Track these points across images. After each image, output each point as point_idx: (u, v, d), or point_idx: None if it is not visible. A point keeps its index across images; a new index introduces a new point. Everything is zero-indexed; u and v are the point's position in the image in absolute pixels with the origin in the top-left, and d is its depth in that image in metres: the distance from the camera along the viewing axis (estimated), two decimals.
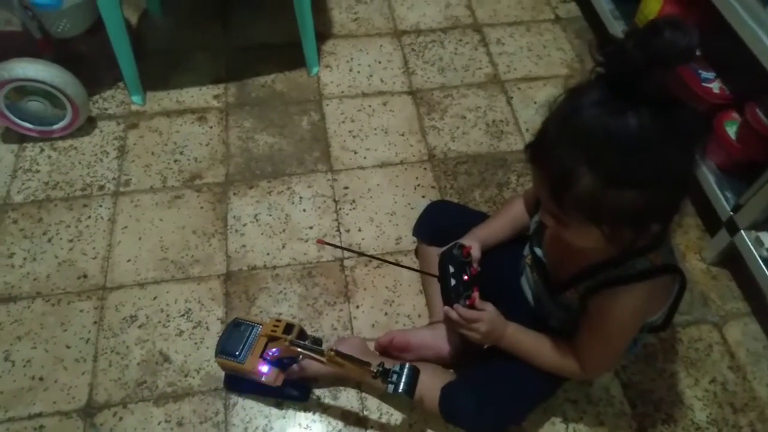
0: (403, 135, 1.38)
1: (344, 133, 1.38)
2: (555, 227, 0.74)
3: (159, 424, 0.97)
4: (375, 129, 1.38)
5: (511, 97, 1.45)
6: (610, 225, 0.67)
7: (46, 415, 0.98)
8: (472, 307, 0.87)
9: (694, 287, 1.15)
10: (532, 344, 0.88)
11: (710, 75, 1.18)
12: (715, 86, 1.16)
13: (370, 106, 1.43)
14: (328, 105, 1.43)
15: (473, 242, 0.93)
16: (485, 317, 0.87)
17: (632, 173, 0.63)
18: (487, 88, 1.47)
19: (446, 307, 0.89)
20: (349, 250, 1.12)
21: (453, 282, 0.89)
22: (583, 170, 0.64)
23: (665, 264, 0.78)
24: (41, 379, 1.01)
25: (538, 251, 0.90)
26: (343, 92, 1.46)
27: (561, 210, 0.69)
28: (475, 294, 0.88)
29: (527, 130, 1.39)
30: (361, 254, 1.12)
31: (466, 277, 0.89)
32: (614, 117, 0.62)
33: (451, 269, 0.90)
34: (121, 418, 0.98)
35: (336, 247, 1.00)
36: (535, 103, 1.44)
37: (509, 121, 1.41)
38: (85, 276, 1.13)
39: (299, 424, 0.98)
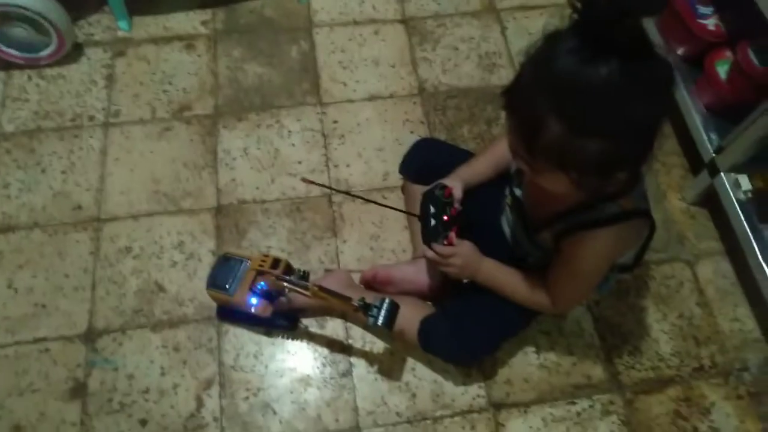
0: (393, 66, 1.36)
1: (334, 63, 1.36)
2: (526, 171, 0.76)
3: (156, 348, 1.04)
4: (365, 60, 1.36)
5: (506, 27, 1.42)
6: (576, 172, 0.69)
7: (51, 339, 1.04)
8: (449, 245, 0.92)
9: (672, 226, 1.18)
10: (506, 279, 0.93)
11: (708, 10, 1.14)
12: (711, 23, 1.13)
13: (361, 35, 1.40)
14: (318, 33, 1.40)
15: (456, 182, 0.96)
16: (459, 252, 0.91)
17: (597, 122, 0.64)
18: (481, 17, 1.43)
19: (424, 246, 0.93)
20: (334, 189, 1.14)
21: (433, 222, 0.92)
22: (551, 118, 0.65)
23: (635, 209, 0.80)
24: (43, 306, 1.07)
25: (518, 192, 0.92)
26: (333, 20, 1.42)
27: (531, 157, 0.70)
28: (452, 234, 0.91)
29: (520, 63, 1.36)
30: (346, 193, 1.14)
31: (446, 218, 0.92)
32: (584, 65, 0.62)
33: (432, 209, 0.93)
34: (120, 343, 1.04)
35: (321, 185, 1.02)
36: (529, 33, 1.41)
37: (502, 54, 1.38)
38: (79, 207, 1.16)
39: (287, 351, 1.05)
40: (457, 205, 0.94)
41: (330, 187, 1.15)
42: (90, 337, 1.05)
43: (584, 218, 0.80)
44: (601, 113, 0.64)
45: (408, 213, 1.00)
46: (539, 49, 0.68)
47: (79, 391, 1.00)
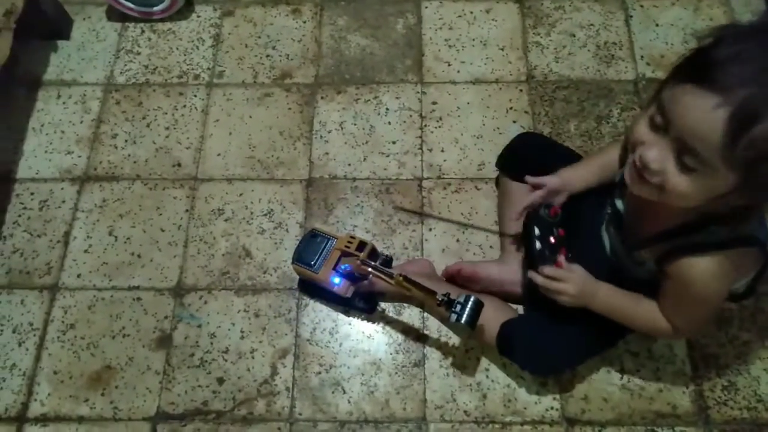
0: (502, 49, 1.29)
1: (440, 41, 1.30)
2: (664, 172, 0.65)
3: (238, 312, 1.07)
4: (473, 40, 1.30)
5: (631, 16, 1.30)
6: (756, 183, 0.62)
7: (143, 289, 1.10)
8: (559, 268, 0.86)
9: None
10: (625, 306, 0.85)
11: None
12: None
13: (471, 12, 1.33)
14: (426, 7, 1.34)
15: (558, 183, 0.90)
16: (573, 279, 0.84)
17: None
18: (605, 2, 1.32)
19: (531, 272, 0.87)
20: (427, 215, 1.05)
21: (539, 245, 0.86)
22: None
23: (749, 235, 0.72)
24: (139, 256, 1.12)
25: (619, 204, 0.85)
26: None
27: (728, 146, 0.60)
28: (561, 258, 0.85)
29: (642, 57, 1.26)
30: (439, 219, 1.06)
31: (552, 240, 0.86)
32: None
33: (537, 231, 0.87)
34: (206, 302, 1.08)
35: (412, 212, 0.98)
36: (657, 25, 1.29)
37: (623, 45, 1.28)
38: (179, 165, 1.20)
39: (362, 332, 1.05)
40: (556, 208, 0.88)
41: (424, 213, 1.07)
42: (179, 292, 1.09)
43: (690, 241, 0.73)
44: None
45: (508, 235, 0.93)
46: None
47: (165, 341, 1.05)
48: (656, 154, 0.66)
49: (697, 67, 0.61)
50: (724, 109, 0.58)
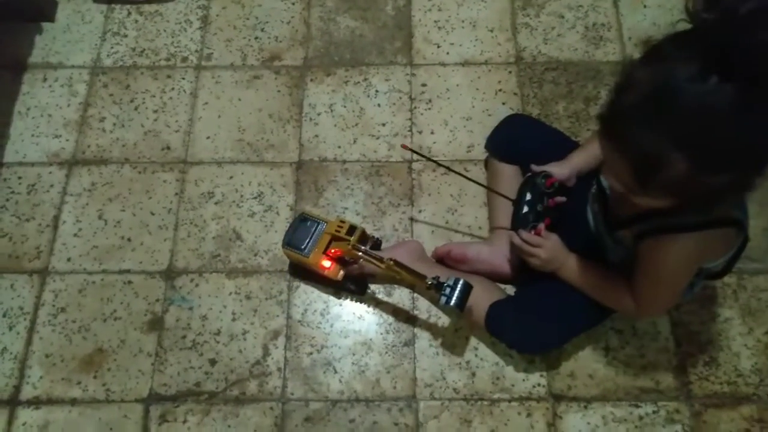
0: (492, 31, 1.29)
1: (429, 22, 1.30)
2: (619, 189, 0.69)
3: (230, 294, 1.08)
4: (463, 21, 1.30)
5: None
6: (693, 199, 0.64)
7: (134, 273, 1.10)
8: (536, 235, 0.89)
9: None
10: (590, 278, 0.90)
11: None
12: None
13: None
14: None
15: (565, 171, 0.92)
16: (546, 245, 0.89)
17: (730, 157, 0.58)
18: None
19: (511, 231, 0.92)
20: (435, 162, 1.02)
21: (525, 209, 0.90)
22: (675, 156, 0.59)
23: (725, 217, 0.74)
24: (129, 239, 1.12)
25: (605, 181, 0.87)
26: None
27: (641, 188, 0.64)
28: (541, 225, 0.89)
29: (630, 38, 1.26)
30: (448, 169, 1.02)
31: (539, 208, 0.89)
32: (714, 97, 0.55)
33: (528, 196, 0.90)
34: (197, 285, 1.09)
35: (422, 156, 0.97)
36: (645, 7, 1.29)
37: (611, 26, 1.28)
38: (168, 148, 1.20)
39: (353, 313, 1.06)
40: (558, 198, 0.91)
41: (434, 160, 1.03)
42: (169, 275, 1.09)
43: (667, 222, 0.75)
44: (740, 149, 0.58)
45: (503, 195, 0.95)
46: (646, 70, 0.60)
47: (156, 324, 1.06)
48: (608, 177, 0.71)
49: (605, 122, 0.65)
50: (627, 161, 0.63)
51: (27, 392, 1.01)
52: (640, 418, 0.98)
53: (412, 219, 1.12)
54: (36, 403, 1.01)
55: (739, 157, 0.59)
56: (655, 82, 0.59)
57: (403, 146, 0.97)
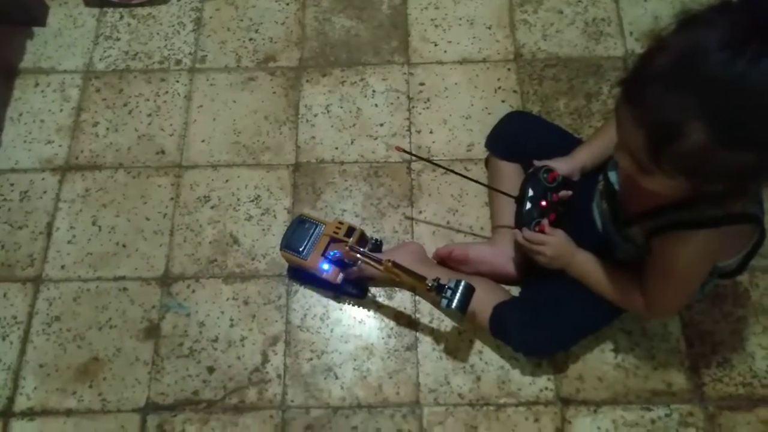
0: (489, 28, 1.26)
1: (426, 21, 1.28)
2: (631, 170, 0.67)
3: (227, 300, 1.05)
4: (460, 19, 1.28)
5: None
6: (706, 181, 0.61)
7: (129, 279, 1.07)
8: (541, 233, 0.87)
9: None
10: (599, 275, 0.87)
11: None
12: None
13: None
14: None
15: (570, 166, 0.90)
16: (551, 241, 0.87)
17: (755, 134, 0.55)
18: None
19: (515, 230, 0.89)
20: (432, 162, 1.01)
21: (528, 206, 0.88)
22: (695, 125, 0.56)
23: (742, 213, 0.71)
24: (124, 246, 1.10)
25: (612, 176, 0.84)
26: None
27: (652, 160, 0.62)
28: (545, 221, 0.87)
29: (631, 33, 1.24)
30: (447, 169, 1.00)
31: (543, 203, 0.87)
32: (751, 66, 0.52)
33: (531, 192, 0.88)
34: (194, 291, 1.06)
35: (418, 157, 0.95)
36: (645, 0, 1.27)
37: (612, 21, 1.26)
38: (162, 152, 1.18)
39: (354, 317, 1.04)
40: (563, 193, 0.88)
41: (430, 161, 1.02)
42: (166, 281, 1.07)
43: (681, 218, 0.72)
44: (759, 125, 0.55)
45: (504, 193, 0.93)
46: (678, 36, 0.58)
47: (153, 332, 1.03)
48: (620, 156, 0.68)
49: (628, 85, 0.62)
50: (644, 129, 0.60)
51: (21, 403, 0.99)
52: (653, 421, 0.95)
53: (412, 219, 1.10)
54: (30, 414, 0.98)
55: (762, 135, 0.56)
56: (690, 43, 0.56)
57: (397, 148, 0.94)
